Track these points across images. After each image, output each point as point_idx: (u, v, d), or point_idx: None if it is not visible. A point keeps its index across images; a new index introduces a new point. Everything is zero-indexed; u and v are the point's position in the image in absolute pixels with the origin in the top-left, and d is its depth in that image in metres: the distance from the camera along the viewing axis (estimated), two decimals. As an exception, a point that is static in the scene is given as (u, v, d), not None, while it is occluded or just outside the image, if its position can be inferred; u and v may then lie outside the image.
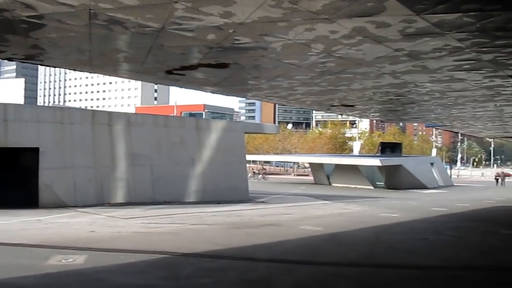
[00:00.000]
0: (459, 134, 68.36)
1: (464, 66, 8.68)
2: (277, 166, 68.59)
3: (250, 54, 8.08)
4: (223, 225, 11.29)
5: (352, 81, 10.70)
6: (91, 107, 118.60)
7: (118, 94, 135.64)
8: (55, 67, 12.45)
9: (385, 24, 6.15)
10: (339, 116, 61.37)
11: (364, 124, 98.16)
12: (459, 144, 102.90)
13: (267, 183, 38.16)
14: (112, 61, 9.40)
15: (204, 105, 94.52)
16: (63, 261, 6.56)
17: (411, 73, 9.50)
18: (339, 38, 6.86)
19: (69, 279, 5.77)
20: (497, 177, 44.69)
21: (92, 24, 6.41)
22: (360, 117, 31.31)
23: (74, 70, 11.77)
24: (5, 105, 14.39)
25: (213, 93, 13.91)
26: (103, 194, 15.47)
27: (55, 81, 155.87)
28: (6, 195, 12.62)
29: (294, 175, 58.03)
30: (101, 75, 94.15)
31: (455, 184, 41.49)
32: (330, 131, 77.64)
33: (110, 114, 18.09)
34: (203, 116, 79.74)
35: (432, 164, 39.84)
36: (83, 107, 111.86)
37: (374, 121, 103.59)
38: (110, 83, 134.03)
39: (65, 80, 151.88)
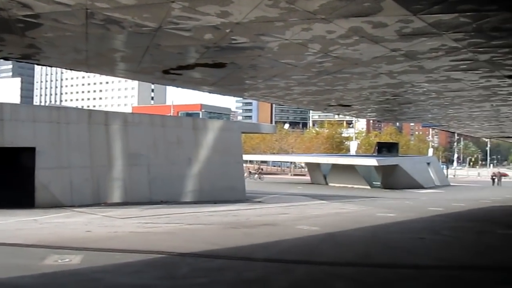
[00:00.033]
0: (456, 134, 68.49)
1: (461, 66, 8.71)
2: (274, 166, 68.57)
3: (247, 54, 8.09)
4: (220, 225, 11.28)
5: (349, 81, 10.72)
6: (88, 106, 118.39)
7: (114, 93, 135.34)
8: (51, 66, 12.41)
9: (382, 24, 6.16)
10: (336, 116, 61.45)
11: (361, 124, 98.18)
12: (455, 144, 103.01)
13: (264, 183, 38.11)
14: (109, 60, 9.39)
15: (201, 104, 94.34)
16: (59, 261, 6.53)
17: (408, 73, 9.53)
18: (336, 38, 6.88)
19: (65, 279, 5.75)
20: (494, 177, 44.86)
21: (89, 24, 6.40)
22: (357, 117, 31.40)
23: (71, 69, 11.75)
24: (1, 105, 14.31)
25: (210, 92, 13.91)
26: (99, 194, 15.41)
27: (51, 81, 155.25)
28: (2, 195, 12.54)
29: (291, 175, 58.02)
30: (97, 75, 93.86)
31: (451, 184, 41.60)
32: (327, 131, 77.52)
33: (106, 113, 18.04)
34: (200, 116, 79.43)
35: (428, 164, 39.96)
36: (79, 106, 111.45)
37: (371, 121, 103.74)
38: (107, 82, 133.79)
39: (61, 79, 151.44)
